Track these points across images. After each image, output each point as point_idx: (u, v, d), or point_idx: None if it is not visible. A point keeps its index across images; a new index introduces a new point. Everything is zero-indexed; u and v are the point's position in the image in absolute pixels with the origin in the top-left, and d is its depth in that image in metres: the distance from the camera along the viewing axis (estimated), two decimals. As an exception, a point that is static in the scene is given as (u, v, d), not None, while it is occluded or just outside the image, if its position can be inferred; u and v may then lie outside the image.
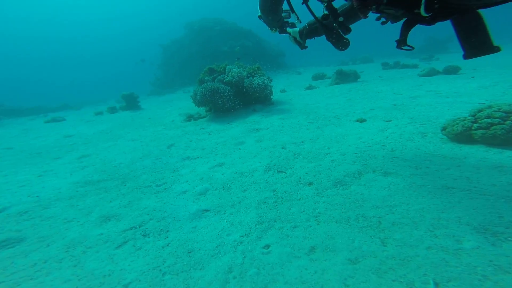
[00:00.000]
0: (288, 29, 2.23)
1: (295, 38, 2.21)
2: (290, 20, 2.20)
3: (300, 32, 2.17)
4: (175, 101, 10.84)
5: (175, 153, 3.68)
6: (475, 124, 2.68)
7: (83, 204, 2.47)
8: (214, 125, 4.98)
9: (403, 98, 4.85)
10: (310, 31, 2.11)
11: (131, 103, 9.95)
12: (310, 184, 2.21)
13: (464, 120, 2.78)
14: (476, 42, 1.40)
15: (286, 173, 2.46)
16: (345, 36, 1.81)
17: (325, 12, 1.74)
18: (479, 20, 1.38)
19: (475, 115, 2.79)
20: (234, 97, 5.52)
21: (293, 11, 2.06)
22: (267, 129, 4.17)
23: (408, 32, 1.55)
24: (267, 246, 1.60)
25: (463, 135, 2.66)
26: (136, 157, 3.74)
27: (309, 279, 1.31)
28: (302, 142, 3.25)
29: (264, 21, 2.19)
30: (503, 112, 2.66)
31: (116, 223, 2.08)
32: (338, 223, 1.69)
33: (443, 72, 7.51)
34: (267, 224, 1.80)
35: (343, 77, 7.92)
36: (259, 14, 2.14)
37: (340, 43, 1.82)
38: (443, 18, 1.39)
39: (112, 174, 3.19)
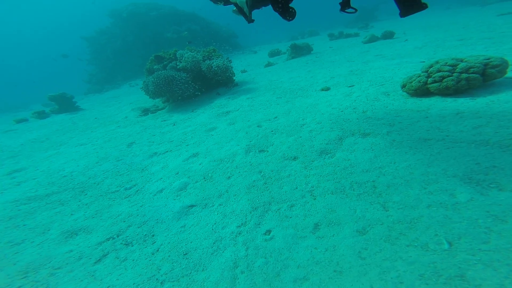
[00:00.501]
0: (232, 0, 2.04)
1: (241, 9, 2.03)
2: None
3: (246, 2, 1.98)
4: (122, 97, 9.74)
5: (139, 151, 3.28)
6: (429, 79, 2.90)
7: (33, 222, 2.05)
8: (177, 115, 4.57)
9: (356, 64, 5.05)
10: (255, 1, 1.96)
11: (65, 104, 8.55)
12: (295, 158, 2.15)
13: (419, 76, 2.98)
14: (409, 1, 1.48)
15: (268, 151, 2.36)
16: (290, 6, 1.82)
17: None
18: None
19: (427, 70, 3.00)
20: (193, 82, 5.10)
21: None
22: (237, 110, 3.97)
23: None
24: (268, 231, 1.51)
25: (421, 89, 2.86)
26: (91, 162, 3.23)
27: (322, 258, 1.26)
28: (275, 117, 3.16)
29: None
30: (449, 65, 2.92)
31: (87, 236, 1.77)
32: (334, 194, 1.67)
33: (382, 37, 8.04)
34: (263, 209, 1.69)
35: (297, 51, 7.94)
36: None
37: (287, 13, 1.82)
38: None
39: (65, 184, 2.71)
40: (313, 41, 12.28)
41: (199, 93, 5.09)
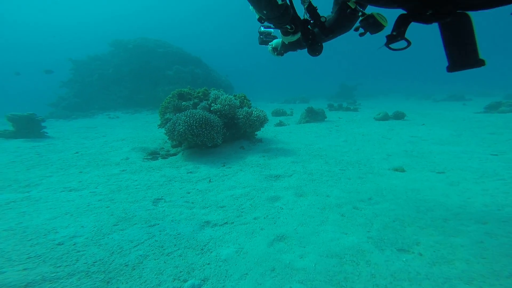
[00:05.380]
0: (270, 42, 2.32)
1: (276, 49, 2.32)
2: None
3: (275, 50, 2.33)
4: (101, 128, 8.71)
5: (178, 215, 2.47)
6: None
7: None
8: (205, 168, 3.89)
9: (399, 143, 5.11)
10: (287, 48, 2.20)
11: (27, 128, 7.11)
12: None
13: None
14: (465, 51, 1.35)
15: (413, 252, 1.80)
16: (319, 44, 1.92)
17: (306, 15, 1.82)
18: (470, 26, 1.32)
19: None
20: (226, 130, 4.63)
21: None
22: (290, 176, 3.46)
23: (406, 27, 1.39)
24: None
25: None
26: (104, 223, 2.30)
27: None
28: (369, 198, 2.69)
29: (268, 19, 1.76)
30: None
31: None
32: None
33: (393, 117, 8.77)
34: None
35: (313, 115, 8.17)
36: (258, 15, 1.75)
37: (315, 46, 1.89)
38: (442, 17, 1.28)
39: (65, 262, 1.75)
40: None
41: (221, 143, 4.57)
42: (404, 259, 1.70)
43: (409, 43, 1.42)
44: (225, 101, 4.69)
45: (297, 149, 4.78)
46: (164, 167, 3.96)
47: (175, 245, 2.00)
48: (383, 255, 1.75)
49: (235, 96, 5.47)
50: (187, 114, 4.18)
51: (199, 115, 4.14)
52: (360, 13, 1.61)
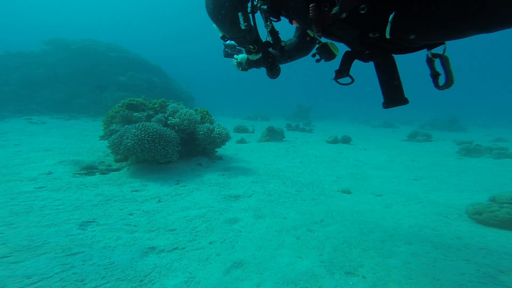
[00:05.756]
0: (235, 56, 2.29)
1: (241, 64, 2.29)
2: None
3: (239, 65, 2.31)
4: (11, 134, 6.91)
5: (112, 241, 2.26)
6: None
7: None
8: (153, 186, 3.67)
9: (346, 167, 5.62)
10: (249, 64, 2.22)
11: None
12: (395, 291, 1.85)
13: (501, 207, 3.03)
14: (395, 92, 1.52)
15: (358, 275, 1.98)
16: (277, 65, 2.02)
17: (268, 38, 1.90)
18: (395, 68, 1.51)
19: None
20: (182, 146, 4.50)
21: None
22: (250, 196, 3.51)
23: (350, 64, 1.59)
24: None
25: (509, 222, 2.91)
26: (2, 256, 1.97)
27: None
28: (321, 220, 2.88)
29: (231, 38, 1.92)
30: None
31: None
32: None
33: (341, 141, 9.61)
34: None
35: (273, 135, 8.49)
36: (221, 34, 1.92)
37: (274, 69, 1.97)
38: (378, 55, 1.46)
39: None
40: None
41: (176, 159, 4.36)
42: (351, 283, 1.86)
43: (352, 80, 1.61)
44: (185, 115, 4.59)
45: (257, 169, 4.90)
46: (101, 184, 3.60)
47: (104, 277, 1.79)
48: (333, 279, 1.89)
49: (196, 110, 5.39)
50: (138, 126, 3.95)
51: (152, 129, 3.97)
52: (317, 42, 1.73)
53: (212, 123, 5.31)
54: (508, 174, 5.56)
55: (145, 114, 4.86)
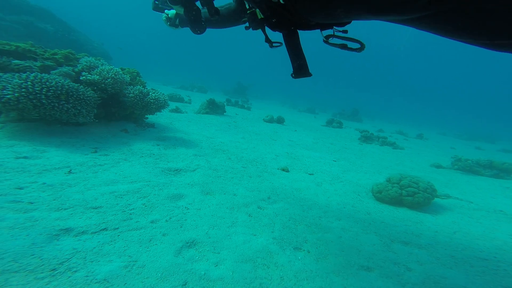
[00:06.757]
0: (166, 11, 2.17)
1: (170, 19, 2.16)
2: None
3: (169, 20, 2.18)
4: None
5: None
6: (403, 191, 3.68)
7: None
8: (55, 152, 2.93)
9: (283, 146, 5.92)
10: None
11: None
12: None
13: (393, 187, 3.74)
14: (302, 64, 1.62)
15: (303, 249, 2.12)
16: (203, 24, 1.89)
17: None
18: (299, 46, 1.61)
19: (399, 183, 3.83)
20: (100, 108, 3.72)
21: None
22: (194, 171, 3.27)
23: (263, 28, 1.67)
24: None
25: (396, 199, 3.59)
26: None
27: None
28: (268, 197, 2.94)
29: None
30: (414, 182, 3.94)
31: None
32: None
33: (276, 121, 10.08)
34: None
35: (214, 108, 8.09)
36: None
37: (198, 24, 1.85)
38: (283, 26, 1.50)
39: None
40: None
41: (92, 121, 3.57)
42: (299, 258, 1.99)
43: (271, 43, 1.73)
44: (108, 73, 3.75)
45: (199, 141, 4.60)
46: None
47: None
48: (285, 255, 1.98)
49: (123, 69, 4.52)
50: (27, 77, 2.99)
51: (56, 82, 3.09)
52: (249, 11, 1.64)
53: (145, 87, 4.58)
54: (388, 158, 6.97)
55: (37, 64, 3.72)
